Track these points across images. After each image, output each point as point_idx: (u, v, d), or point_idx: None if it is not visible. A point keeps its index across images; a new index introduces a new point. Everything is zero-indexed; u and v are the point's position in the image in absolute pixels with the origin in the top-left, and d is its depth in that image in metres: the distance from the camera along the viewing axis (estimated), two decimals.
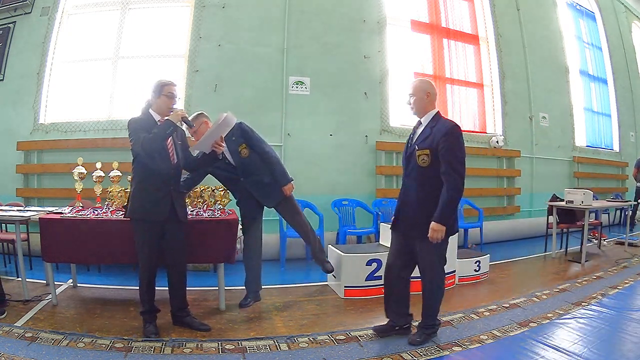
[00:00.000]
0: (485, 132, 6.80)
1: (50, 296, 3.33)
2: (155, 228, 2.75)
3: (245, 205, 3.43)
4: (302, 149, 5.35)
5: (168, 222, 2.78)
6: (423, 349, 2.62)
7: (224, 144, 2.94)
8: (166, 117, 2.76)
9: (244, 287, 3.51)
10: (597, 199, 5.89)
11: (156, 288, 2.89)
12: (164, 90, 2.78)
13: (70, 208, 3.43)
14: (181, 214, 2.88)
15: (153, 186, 2.73)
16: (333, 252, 3.95)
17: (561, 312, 3.26)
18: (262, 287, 3.55)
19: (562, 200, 5.34)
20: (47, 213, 3.34)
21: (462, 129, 2.68)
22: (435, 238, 2.51)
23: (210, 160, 2.99)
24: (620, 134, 9.10)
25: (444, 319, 3.13)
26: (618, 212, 8.29)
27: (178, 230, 2.86)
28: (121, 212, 3.21)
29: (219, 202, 3.48)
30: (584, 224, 5.01)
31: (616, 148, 9.08)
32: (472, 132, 6.67)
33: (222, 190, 3.49)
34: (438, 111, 2.70)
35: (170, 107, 2.79)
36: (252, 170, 3.32)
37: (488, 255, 4.41)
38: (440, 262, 2.69)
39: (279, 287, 3.66)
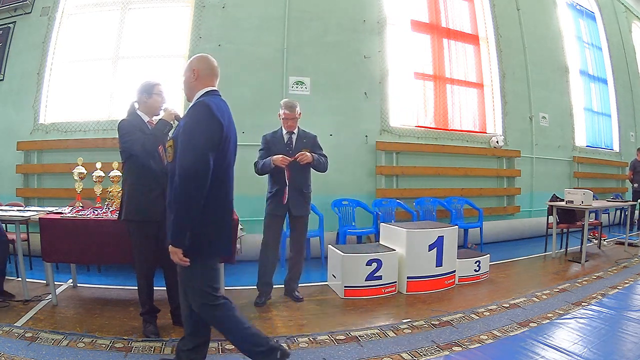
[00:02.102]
0: (485, 132, 6.80)
1: (50, 296, 3.33)
2: (151, 228, 2.74)
3: (274, 199, 3.49)
4: None
5: (163, 222, 2.78)
6: (423, 348, 2.62)
7: None
8: (159, 117, 2.80)
9: (244, 287, 3.51)
10: (597, 199, 5.90)
11: (156, 288, 2.89)
12: (155, 90, 2.82)
13: (70, 208, 3.43)
14: None
15: (147, 187, 2.72)
16: (333, 252, 3.95)
17: (561, 312, 3.26)
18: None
19: (562, 200, 5.34)
20: (47, 213, 3.34)
21: (213, 109, 1.90)
22: (176, 262, 1.92)
23: None
24: (620, 134, 9.10)
25: (444, 319, 3.14)
26: (618, 212, 8.29)
27: None
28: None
29: None
30: (584, 224, 5.01)
31: (616, 148, 9.09)
32: (472, 132, 6.68)
33: None
34: (211, 90, 2.05)
35: (160, 106, 2.83)
36: (299, 174, 3.47)
37: (488, 255, 4.41)
38: (201, 292, 2.00)
39: (279, 287, 3.66)
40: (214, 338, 2.72)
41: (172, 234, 1.90)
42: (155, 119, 2.85)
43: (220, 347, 2.62)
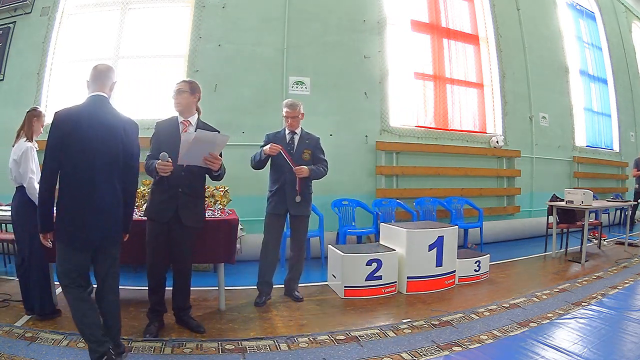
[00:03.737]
0: (485, 132, 6.80)
1: None
2: (160, 228, 2.78)
3: (276, 199, 3.50)
4: None
5: (173, 224, 2.79)
6: (423, 348, 2.62)
7: (220, 161, 2.79)
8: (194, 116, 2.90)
9: (244, 287, 3.51)
10: (597, 199, 5.90)
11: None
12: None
13: None
14: (185, 218, 2.80)
15: (161, 188, 2.76)
16: (333, 252, 3.95)
17: (561, 312, 3.26)
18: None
19: (562, 200, 5.34)
20: None
21: (61, 118, 2.17)
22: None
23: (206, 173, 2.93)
24: (620, 134, 9.10)
25: (444, 319, 3.14)
26: (618, 212, 8.29)
27: (183, 233, 2.83)
28: None
29: (219, 202, 3.48)
30: (584, 224, 5.01)
31: (616, 148, 9.09)
32: (472, 132, 6.68)
33: (222, 190, 3.50)
34: (90, 95, 2.38)
35: (175, 105, 2.89)
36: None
37: (488, 255, 4.41)
38: (60, 272, 2.23)
39: (279, 287, 3.66)
40: (214, 338, 2.75)
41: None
42: (192, 118, 2.88)
43: (220, 347, 2.62)
